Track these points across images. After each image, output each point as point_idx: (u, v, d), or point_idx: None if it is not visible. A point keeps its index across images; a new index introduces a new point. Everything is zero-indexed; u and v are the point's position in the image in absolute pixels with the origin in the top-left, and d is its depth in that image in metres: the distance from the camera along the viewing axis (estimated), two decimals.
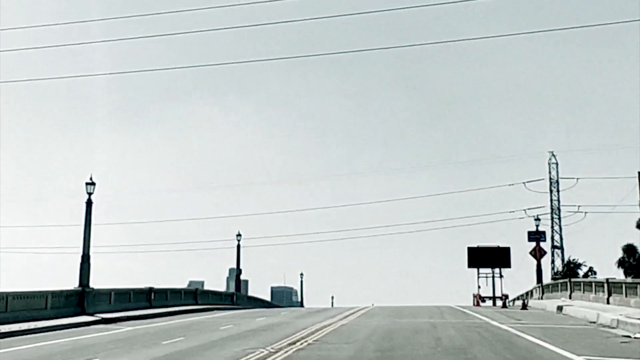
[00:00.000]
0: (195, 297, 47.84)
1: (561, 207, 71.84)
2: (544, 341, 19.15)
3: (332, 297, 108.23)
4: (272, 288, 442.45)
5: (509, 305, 45.67)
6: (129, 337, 21.94)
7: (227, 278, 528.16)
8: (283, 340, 19.50)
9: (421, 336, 20.78)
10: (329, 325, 25.82)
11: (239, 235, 59.51)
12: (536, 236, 56.75)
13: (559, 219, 71.41)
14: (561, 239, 72.39)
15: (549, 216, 70.00)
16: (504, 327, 24.75)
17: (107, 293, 35.71)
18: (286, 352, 16.86)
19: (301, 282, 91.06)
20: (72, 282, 34.15)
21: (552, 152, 73.37)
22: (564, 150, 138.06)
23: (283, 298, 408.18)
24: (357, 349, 17.41)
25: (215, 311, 42.88)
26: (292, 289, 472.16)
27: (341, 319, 29.62)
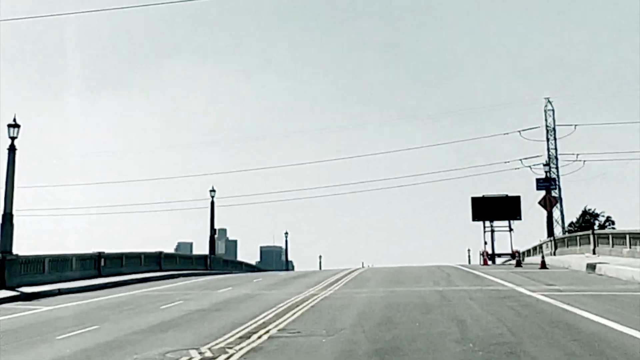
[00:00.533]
0: (159, 263, 41.54)
1: (559, 156, 68.60)
2: (619, 323, 12.90)
3: (320, 257, 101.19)
4: (261, 248, 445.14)
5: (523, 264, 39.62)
6: (17, 328, 15.54)
7: (216, 238, 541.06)
8: (233, 332, 13.16)
9: (434, 317, 14.47)
10: (308, 299, 19.56)
11: (212, 191, 53.12)
12: (545, 184, 50.52)
13: (557, 168, 67.84)
14: (559, 189, 67.85)
15: (546, 166, 67.49)
16: (538, 296, 18.52)
17: (40, 261, 29.39)
18: (228, 358, 10.54)
19: (286, 241, 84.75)
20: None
21: (547, 98, 69.96)
22: (561, 97, 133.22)
23: (272, 258, 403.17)
24: (341, 349, 11.06)
25: (180, 278, 36.68)
26: (281, 248, 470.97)
27: (325, 288, 23.42)
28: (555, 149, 69.03)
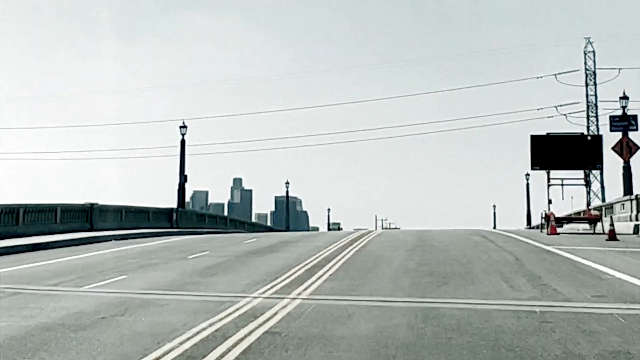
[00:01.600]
0: (89, 219, 30.06)
1: (599, 103, 60.08)
2: None
3: (329, 211, 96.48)
4: (276, 198, 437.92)
5: (601, 233, 27.43)
6: None
7: (232, 188, 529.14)
8: None
9: None
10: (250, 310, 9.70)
11: (183, 127, 41.73)
12: (622, 123, 38.11)
13: (597, 117, 59.69)
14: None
15: (584, 114, 59.88)
16: None
17: (12, 212, 25.69)
18: None
19: (287, 191, 74.45)
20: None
21: (588, 39, 61.70)
22: (603, 37, 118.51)
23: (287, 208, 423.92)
24: None
25: (112, 242, 25.54)
26: (296, 198, 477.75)
27: (300, 287, 11.90)
28: (595, 95, 60.46)
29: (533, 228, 48.86)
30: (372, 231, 33.87)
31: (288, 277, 13.31)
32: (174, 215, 38.67)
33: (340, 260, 16.76)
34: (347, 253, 18.79)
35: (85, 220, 29.60)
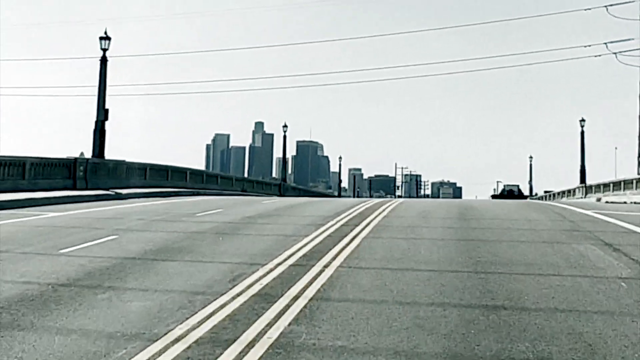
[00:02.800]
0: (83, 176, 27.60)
1: None
2: None
3: (340, 159, 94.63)
4: (297, 143, 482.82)
5: None
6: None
7: (253, 132, 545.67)
8: None
9: None
10: None
11: (105, 38, 31.75)
12: None
13: None
14: None
15: (638, 52, 50.90)
16: None
17: None
18: None
19: (284, 136, 58.42)
20: None
21: None
22: None
23: (307, 154, 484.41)
24: None
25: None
26: (317, 143, 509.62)
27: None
28: None
29: (589, 188, 45.37)
30: (388, 203, 25.12)
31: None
32: (75, 170, 28.17)
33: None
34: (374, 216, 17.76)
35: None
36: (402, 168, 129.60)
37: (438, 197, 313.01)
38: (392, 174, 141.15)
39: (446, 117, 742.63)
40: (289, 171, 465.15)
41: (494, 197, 75.88)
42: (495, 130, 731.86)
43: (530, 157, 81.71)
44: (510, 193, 71.06)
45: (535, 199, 64.98)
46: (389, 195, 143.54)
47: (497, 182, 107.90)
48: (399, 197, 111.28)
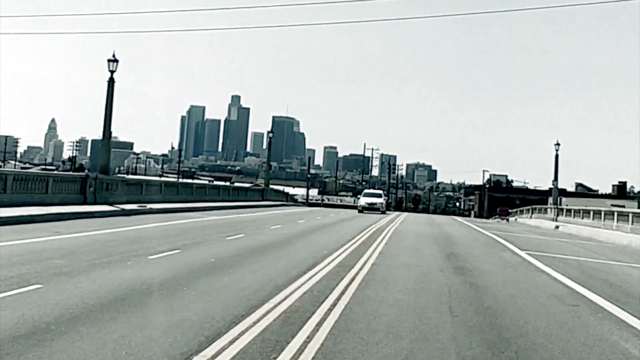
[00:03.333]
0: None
1: None
2: None
3: (335, 150, 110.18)
4: (273, 118, 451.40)
5: None
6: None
7: (229, 105, 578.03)
8: None
9: None
10: None
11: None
12: None
13: None
14: None
15: None
16: None
17: None
18: None
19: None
20: None
21: None
22: None
23: (283, 130, 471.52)
24: None
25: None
26: (293, 119, 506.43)
27: None
28: None
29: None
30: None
31: None
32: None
33: None
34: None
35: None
36: (372, 149, 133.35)
37: (413, 179, 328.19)
38: (367, 154, 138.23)
39: (425, 100, 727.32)
40: (264, 146, 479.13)
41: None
42: (474, 117, 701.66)
43: (557, 145, 50.73)
44: None
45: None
46: (364, 182, 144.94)
47: (484, 171, 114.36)
48: (373, 186, 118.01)
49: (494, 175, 77.33)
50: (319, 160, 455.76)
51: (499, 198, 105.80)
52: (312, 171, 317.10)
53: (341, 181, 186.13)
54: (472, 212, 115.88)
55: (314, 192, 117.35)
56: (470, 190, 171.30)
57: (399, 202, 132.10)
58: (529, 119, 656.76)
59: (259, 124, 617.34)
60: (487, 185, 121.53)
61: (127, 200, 31.72)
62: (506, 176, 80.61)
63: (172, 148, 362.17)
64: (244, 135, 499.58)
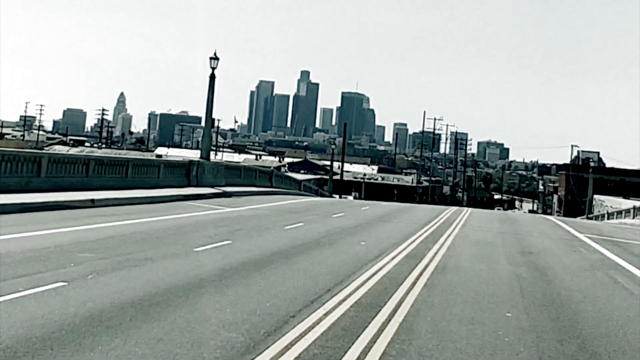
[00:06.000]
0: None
1: None
2: None
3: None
4: (342, 94, 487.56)
5: None
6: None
7: (298, 80, 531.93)
8: None
9: None
10: None
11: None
12: None
13: None
14: None
15: None
16: None
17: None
18: None
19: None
20: None
21: None
22: None
23: (352, 107, 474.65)
24: None
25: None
26: (363, 96, 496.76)
27: None
28: None
29: None
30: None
31: None
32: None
33: None
34: None
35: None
36: (442, 123, 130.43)
37: (484, 157, 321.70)
38: (442, 134, 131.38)
39: (498, 75, 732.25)
40: (333, 122, 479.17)
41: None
42: (550, 91, 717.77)
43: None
44: None
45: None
46: (432, 160, 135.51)
47: (572, 146, 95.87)
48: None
49: (583, 152, 69.70)
50: (388, 137, 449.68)
51: (590, 180, 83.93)
52: (381, 148, 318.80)
53: (410, 158, 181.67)
54: (556, 197, 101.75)
55: (374, 169, 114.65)
56: (544, 169, 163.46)
57: (469, 180, 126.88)
58: (616, 92, 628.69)
59: (328, 100, 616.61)
60: (575, 164, 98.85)
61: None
62: (598, 153, 73.38)
63: (236, 122, 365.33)
64: (313, 110, 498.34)
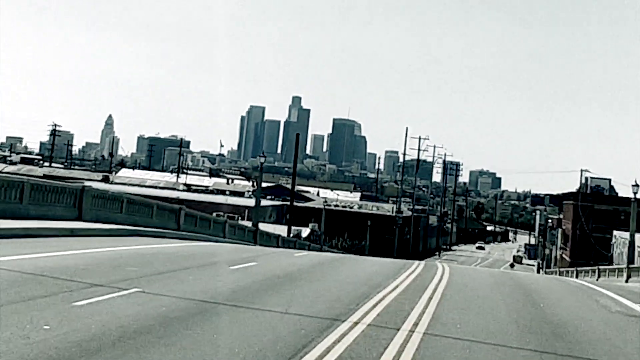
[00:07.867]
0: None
1: None
2: None
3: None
4: (334, 120, 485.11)
5: None
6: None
7: (290, 106, 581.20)
8: None
9: None
10: None
11: None
12: None
13: None
14: None
15: None
16: None
17: None
18: None
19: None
20: None
21: None
22: None
23: (344, 133, 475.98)
24: None
25: None
26: (355, 122, 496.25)
27: None
28: None
29: None
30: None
31: None
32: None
33: None
34: None
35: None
36: (435, 148, 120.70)
37: (476, 186, 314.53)
38: (429, 159, 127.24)
39: (488, 106, 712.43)
40: (323, 149, 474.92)
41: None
42: (542, 123, 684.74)
43: None
44: None
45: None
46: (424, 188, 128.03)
47: (582, 170, 79.95)
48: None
49: (592, 179, 63.76)
50: (380, 164, 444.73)
51: (601, 212, 73.22)
52: (372, 175, 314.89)
53: (401, 186, 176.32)
54: (560, 232, 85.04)
55: (355, 196, 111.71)
56: (537, 199, 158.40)
57: (459, 210, 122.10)
58: (614, 119, 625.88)
59: (320, 126, 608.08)
60: (577, 193, 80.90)
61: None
62: (609, 180, 67.94)
63: (222, 146, 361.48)
64: (304, 136, 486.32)
